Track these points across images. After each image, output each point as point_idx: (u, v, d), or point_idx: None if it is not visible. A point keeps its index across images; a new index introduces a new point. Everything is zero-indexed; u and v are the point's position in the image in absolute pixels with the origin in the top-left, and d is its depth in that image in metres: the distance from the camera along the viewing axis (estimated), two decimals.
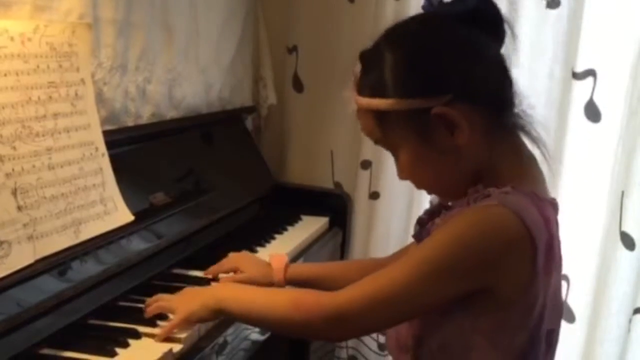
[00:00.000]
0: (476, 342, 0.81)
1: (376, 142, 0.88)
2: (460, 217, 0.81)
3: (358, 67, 0.86)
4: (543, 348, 0.83)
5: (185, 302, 0.94)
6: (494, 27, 0.84)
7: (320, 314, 0.83)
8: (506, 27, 0.85)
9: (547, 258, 0.80)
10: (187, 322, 0.94)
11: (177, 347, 0.93)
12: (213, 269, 1.16)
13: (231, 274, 1.13)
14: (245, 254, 1.23)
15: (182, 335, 0.94)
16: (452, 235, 0.79)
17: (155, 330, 0.96)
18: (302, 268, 1.13)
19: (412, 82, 0.81)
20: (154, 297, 0.99)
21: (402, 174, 0.88)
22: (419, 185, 0.90)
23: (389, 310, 0.81)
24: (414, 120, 0.82)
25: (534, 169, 0.86)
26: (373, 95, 0.83)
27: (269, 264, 1.11)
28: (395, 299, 0.80)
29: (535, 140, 0.87)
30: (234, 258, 1.16)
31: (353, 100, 0.86)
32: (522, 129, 0.86)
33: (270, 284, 1.09)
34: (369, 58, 0.85)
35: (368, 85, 0.84)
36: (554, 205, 0.86)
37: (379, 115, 0.83)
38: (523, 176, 0.84)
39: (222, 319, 1.02)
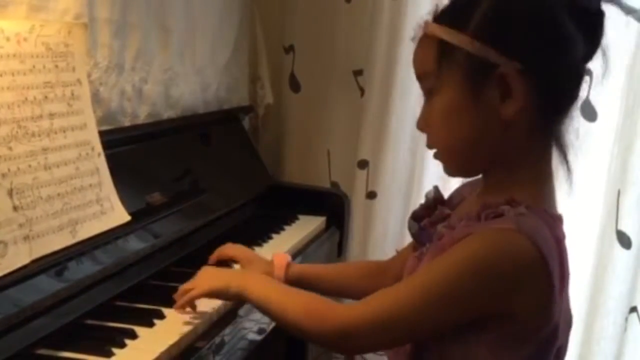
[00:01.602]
0: (479, 354, 0.79)
1: (419, 77, 0.84)
2: (472, 242, 0.77)
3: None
4: None
5: (207, 278, 0.96)
6: (593, 40, 0.80)
7: (328, 327, 0.82)
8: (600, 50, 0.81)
9: (560, 279, 0.78)
10: (207, 296, 0.95)
11: (174, 348, 0.93)
12: (215, 255, 1.17)
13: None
14: (246, 249, 1.20)
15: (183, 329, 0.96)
16: (464, 262, 0.76)
17: (152, 330, 0.97)
18: (304, 268, 1.12)
19: (498, 31, 0.77)
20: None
21: (424, 122, 0.84)
22: (435, 139, 0.84)
23: (396, 331, 0.80)
24: (475, 68, 0.77)
25: (550, 185, 0.83)
26: (451, 26, 0.79)
27: (270, 262, 1.11)
28: (402, 321, 0.79)
29: (565, 158, 0.83)
30: (236, 249, 1.16)
31: (423, 28, 0.82)
32: (558, 141, 0.82)
33: None
34: None
35: (451, 15, 0.80)
36: (561, 220, 0.84)
37: (445, 48, 0.79)
38: (539, 190, 0.81)
39: (220, 316, 1.04)
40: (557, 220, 0.82)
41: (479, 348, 0.79)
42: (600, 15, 0.81)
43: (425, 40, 0.83)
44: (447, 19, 0.81)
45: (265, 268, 1.09)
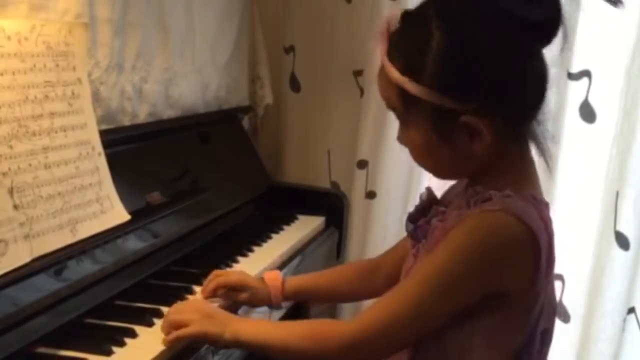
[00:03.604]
0: (474, 343, 0.81)
1: (389, 108, 0.85)
2: (462, 227, 0.79)
3: (392, 21, 0.81)
4: (537, 347, 0.84)
5: (201, 319, 0.90)
6: (550, 36, 0.81)
7: (336, 345, 0.82)
8: (561, 34, 0.81)
9: (547, 260, 0.80)
10: (199, 338, 0.92)
11: (173, 347, 0.93)
12: (212, 286, 1.07)
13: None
14: (241, 272, 1.13)
15: None
16: (457, 249, 0.78)
17: (152, 330, 0.97)
18: (299, 281, 1.10)
19: (452, 80, 0.78)
20: (167, 313, 0.96)
21: (402, 142, 0.86)
22: (416, 159, 0.87)
23: (403, 332, 0.80)
24: (438, 114, 0.79)
25: (533, 171, 0.86)
26: (406, 72, 0.79)
27: (263, 281, 1.07)
28: (407, 320, 0.80)
29: (543, 151, 0.85)
30: (234, 276, 1.09)
31: (379, 55, 0.82)
32: (534, 137, 0.84)
33: (268, 301, 1.06)
34: (414, 26, 0.80)
35: (403, 57, 0.80)
36: (548, 207, 0.86)
37: (405, 94, 0.80)
38: (523, 179, 0.84)
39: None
40: (543, 204, 0.84)
41: (474, 338, 0.80)
42: (555, 19, 0.80)
43: (385, 78, 0.82)
44: (402, 61, 0.80)
45: (261, 288, 1.06)
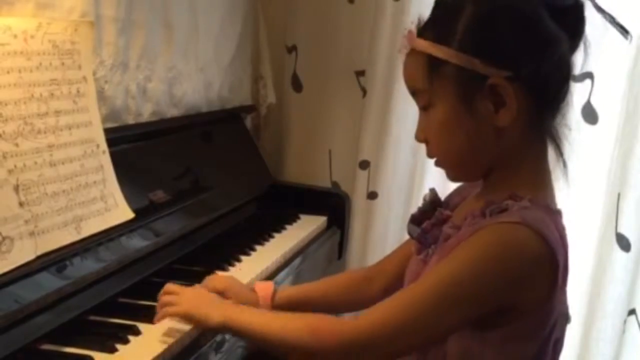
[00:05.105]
0: (484, 353, 0.79)
1: (413, 92, 0.85)
2: (478, 238, 0.77)
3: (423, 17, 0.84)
4: (550, 356, 0.83)
5: (192, 302, 0.91)
6: (575, 34, 0.82)
7: (338, 343, 0.79)
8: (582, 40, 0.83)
9: (563, 273, 0.79)
10: (184, 319, 0.92)
11: (176, 345, 0.94)
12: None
13: None
14: (230, 277, 1.14)
15: (185, 327, 0.95)
16: (474, 260, 0.76)
17: (155, 327, 0.97)
18: (291, 292, 1.07)
19: (483, 42, 0.78)
20: (164, 289, 0.96)
21: (422, 134, 0.85)
22: (434, 150, 0.85)
23: (409, 336, 0.78)
24: (466, 80, 0.78)
25: (548, 178, 0.85)
26: (436, 40, 0.80)
27: (254, 291, 1.06)
28: (415, 325, 0.77)
29: (562, 153, 0.84)
30: (220, 279, 1.09)
31: (408, 41, 0.83)
32: (553, 137, 0.83)
33: None
34: (446, 3, 0.82)
35: (435, 29, 0.81)
36: (561, 216, 0.85)
37: (433, 63, 0.80)
38: (539, 186, 0.83)
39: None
40: (557, 214, 0.83)
41: (485, 348, 0.79)
42: (578, 9, 0.82)
43: (413, 56, 0.83)
44: (431, 33, 0.81)
45: (250, 298, 1.04)
